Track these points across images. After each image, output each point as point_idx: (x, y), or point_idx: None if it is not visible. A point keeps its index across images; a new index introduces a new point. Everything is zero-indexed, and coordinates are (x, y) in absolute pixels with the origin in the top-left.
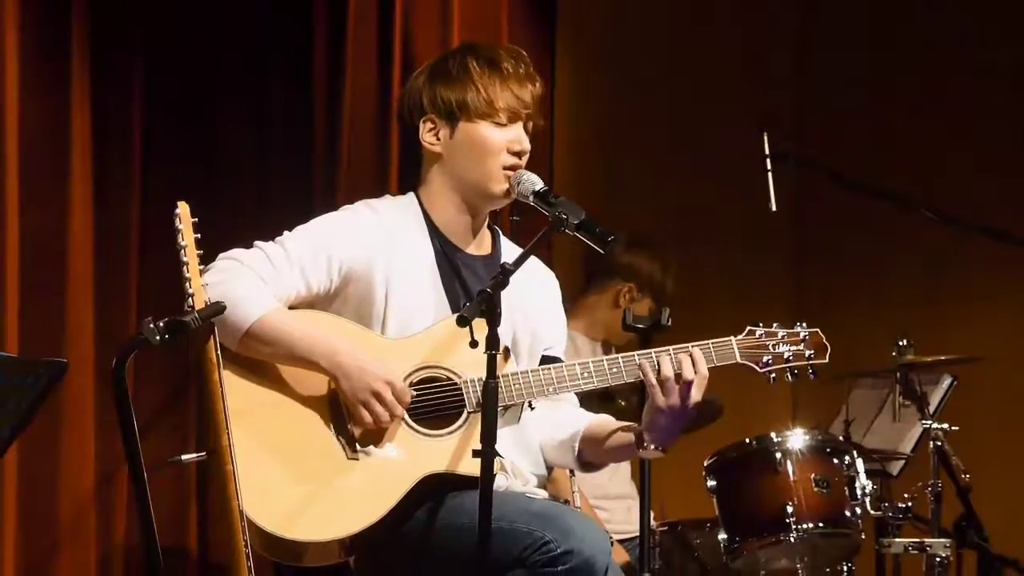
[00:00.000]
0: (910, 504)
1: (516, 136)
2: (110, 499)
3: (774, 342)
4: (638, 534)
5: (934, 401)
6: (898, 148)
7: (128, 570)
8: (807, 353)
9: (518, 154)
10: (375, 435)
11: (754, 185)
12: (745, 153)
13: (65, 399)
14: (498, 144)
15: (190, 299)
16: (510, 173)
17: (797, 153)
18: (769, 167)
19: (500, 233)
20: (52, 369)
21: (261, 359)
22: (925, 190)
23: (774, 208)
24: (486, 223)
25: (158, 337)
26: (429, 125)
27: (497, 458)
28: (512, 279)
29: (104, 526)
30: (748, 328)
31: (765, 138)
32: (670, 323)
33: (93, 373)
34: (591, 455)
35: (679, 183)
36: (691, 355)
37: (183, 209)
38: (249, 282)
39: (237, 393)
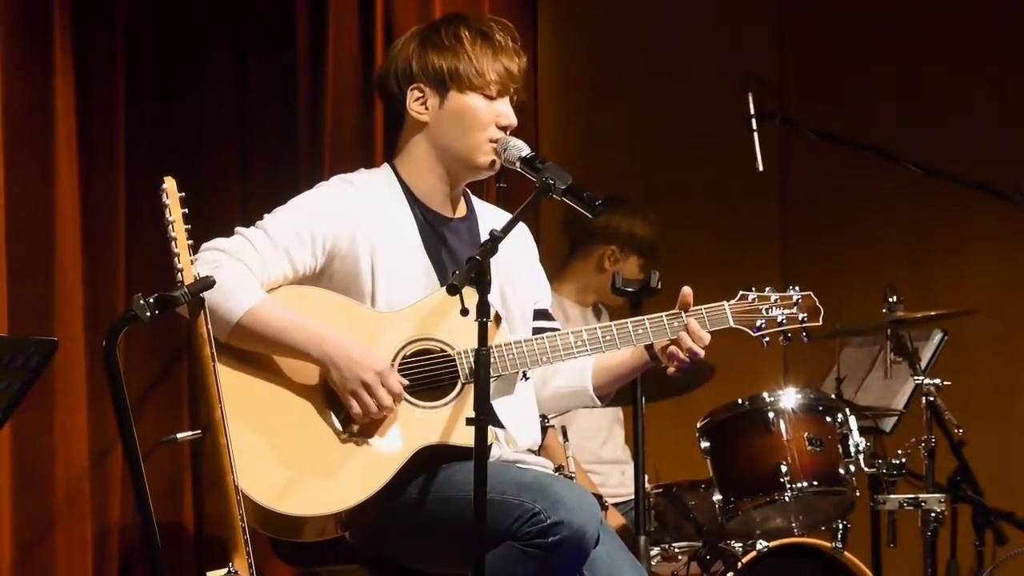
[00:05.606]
0: (904, 460)
1: (504, 110)
2: (105, 475)
3: (767, 306)
4: (633, 497)
5: (925, 356)
6: (883, 103)
7: (124, 545)
8: (800, 316)
9: (504, 128)
10: None
11: (739, 144)
12: (729, 111)
13: (56, 377)
14: (487, 117)
15: (179, 274)
16: (495, 146)
17: (782, 111)
18: (754, 127)
19: (470, 194)
20: (42, 348)
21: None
22: (911, 144)
23: (760, 168)
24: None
25: (148, 313)
26: (417, 93)
27: (490, 427)
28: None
29: (100, 502)
30: (740, 292)
31: (750, 98)
32: (659, 286)
33: (84, 350)
34: (601, 378)
35: (664, 143)
36: (691, 326)
37: (169, 184)
38: (235, 274)
39: (231, 374)
